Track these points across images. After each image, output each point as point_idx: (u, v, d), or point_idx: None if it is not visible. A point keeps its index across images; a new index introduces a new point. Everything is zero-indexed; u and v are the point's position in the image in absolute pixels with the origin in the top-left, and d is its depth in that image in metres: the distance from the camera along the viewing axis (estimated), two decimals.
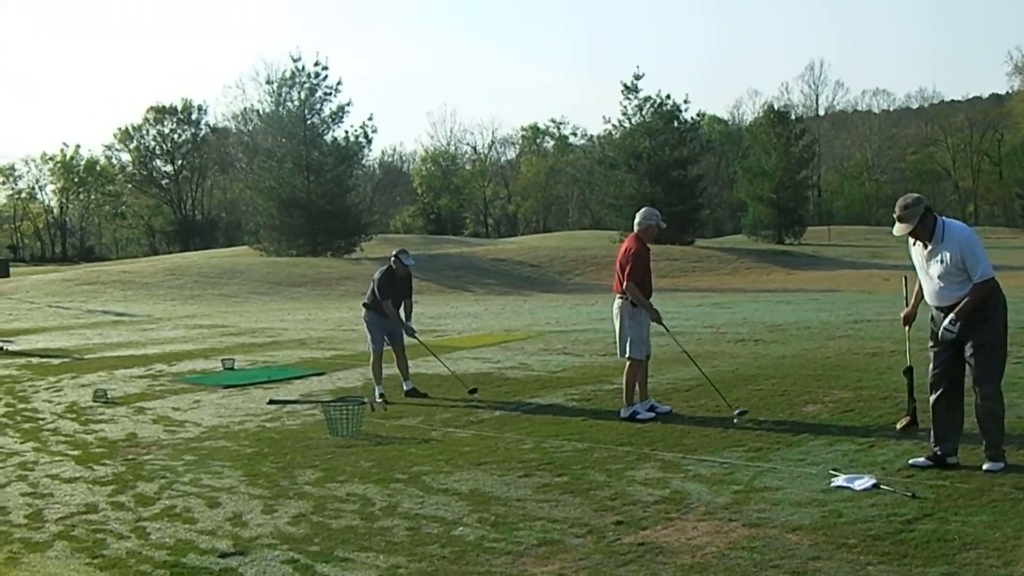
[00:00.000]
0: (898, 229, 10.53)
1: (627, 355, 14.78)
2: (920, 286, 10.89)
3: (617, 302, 14.96)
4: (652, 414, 14.56)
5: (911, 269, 10.85)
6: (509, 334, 29.19)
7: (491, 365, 21.48)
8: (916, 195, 10.53)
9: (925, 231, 10.39)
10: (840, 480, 10.11)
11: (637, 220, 15.08)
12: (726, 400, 15.18)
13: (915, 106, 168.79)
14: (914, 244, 10.67)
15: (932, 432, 10.68)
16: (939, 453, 10.57)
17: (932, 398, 10.69)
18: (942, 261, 10.33)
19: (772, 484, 10.29)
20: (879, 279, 57.61)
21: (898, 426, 11.37)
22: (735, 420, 14.02)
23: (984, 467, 10.30)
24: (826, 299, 42.59)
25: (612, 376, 18.70)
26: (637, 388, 14.91)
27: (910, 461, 10.60)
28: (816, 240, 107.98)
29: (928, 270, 10.55)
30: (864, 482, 9.92)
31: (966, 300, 10.20)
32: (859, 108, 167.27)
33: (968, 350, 10.36)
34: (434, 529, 9.31)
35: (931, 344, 10.73)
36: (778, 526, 8.84)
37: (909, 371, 11.13)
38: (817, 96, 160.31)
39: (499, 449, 12.82)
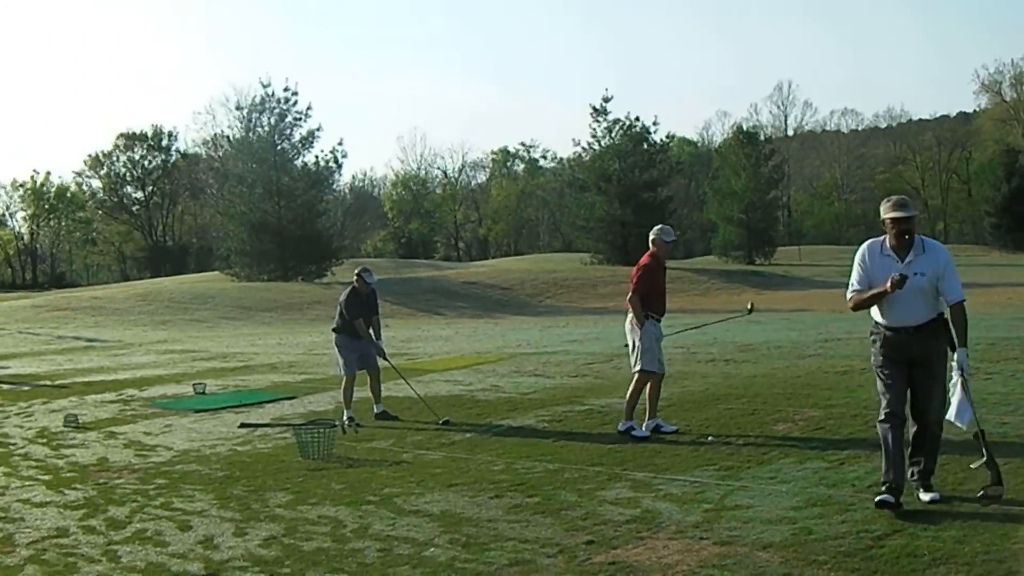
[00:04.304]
0: (900, 212, 9.89)
1: (640, 368, 14.89)
2: (866, 297, 10.10)
3: (629, 316, 15.05)
4: (646, 433, 14.63)
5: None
6: (480, 356, 29.21)
7: (462, 387, 21.49)
8: None
9: (911, 237, 9.97)
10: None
11: (651, 238, 15.31)
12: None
13: (883, 125, 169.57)
14: (882, 254, 10.05)
15: (892, 450, 9.95)
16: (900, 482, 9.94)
17: (890, 427, 9.96)
18: (923, 274, 9.86)
19: (743, 502, 10.32)
20: None
21: (979, 494, 9.73)
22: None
23: (928, 498, 9.97)
24: (796, 318, 42.74)
25: (583, 397, 18.80)
26: (647, 404, 15.11)
27: (877, 499, 9.82)
28: (786, 260, 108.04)
29: (908, 286, 9.81)
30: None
31: (962, 326, 9.81)
32: (828, 128, 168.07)
33: (924, 375, 10.01)
34: (405, 550, 9.31)
35: (884, 367, 10.12)
36: (749, 544, 8.86)
37: (981, 435, 9.80)
38: (786, 116, 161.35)
39: (470, 470, 12.83)
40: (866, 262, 10.10)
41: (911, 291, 9.80)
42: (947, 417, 9.91)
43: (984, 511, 9.35)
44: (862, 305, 10.12)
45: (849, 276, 10.18)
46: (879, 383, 10.18)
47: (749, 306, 17.27)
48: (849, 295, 10.18)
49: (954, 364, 9.80)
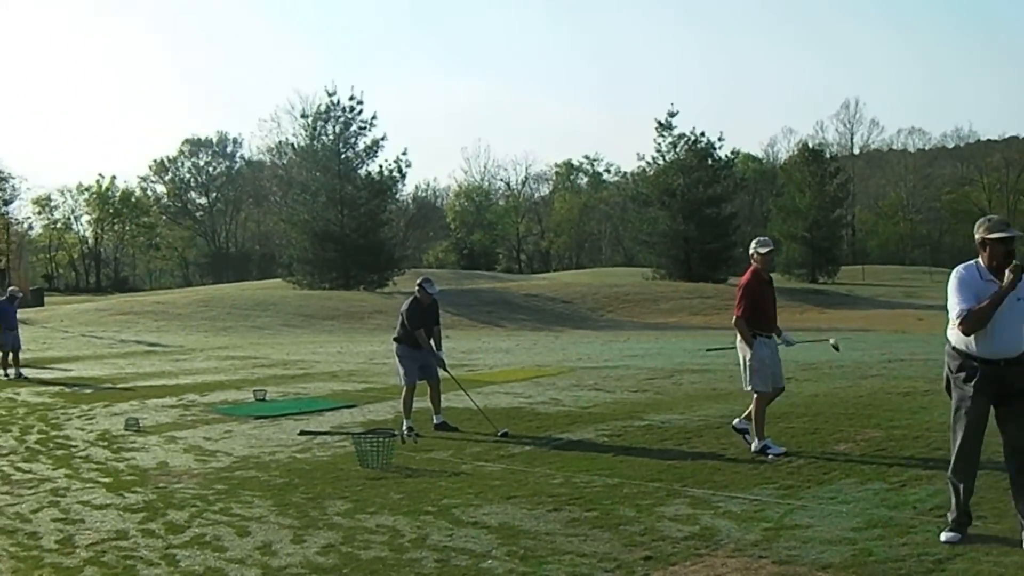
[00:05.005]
0: (1005, 232, 9.24)
1: (750, 387, 14.68)
2: (983, 307, 9.18)
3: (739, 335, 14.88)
4: (782, 449, 14.31)
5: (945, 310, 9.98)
6: (540, 369, 29.16)
7: (522, 400, 21.48)
8: None
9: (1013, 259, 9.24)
10: None
11: (749, 252, 15.07)
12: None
13: (951, 145, 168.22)
14: (983, 280, 9.24)
15: (962, 498, 9.54)
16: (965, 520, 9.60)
17: (963, 477, 9.46)
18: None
19: (802, 522, 10.27)
20: (913, 319, 57.39)
21: None
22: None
23: None
24: (859, 338, 42.41)
25: (643, 412, 18.74)
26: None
27: (944, 537, 9.40)
28: (850, 279, 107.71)
29: (1008, 310, 9.20)
30: None
31: None
32: (894, 147, 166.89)
33: (1020, 405, 9.31)
34: (463, 561, 9.31)
35: (972, 406, 9.32)
36: (808, 564, 8.80)
37: None
38: (852, 135, 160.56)
39: (529, 483, 12.82)
40: (969, 286, 9.26)
41: (1017, 317, 9.24)
42: None
43: None
44: (980, 320, 9.13)
45: (946, 303, 9.41)
46: (958, 424, 9.48)
47: (832, 342, 17.07)
48: (960, 315, 9.23)
49: None
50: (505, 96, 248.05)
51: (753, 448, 14.42)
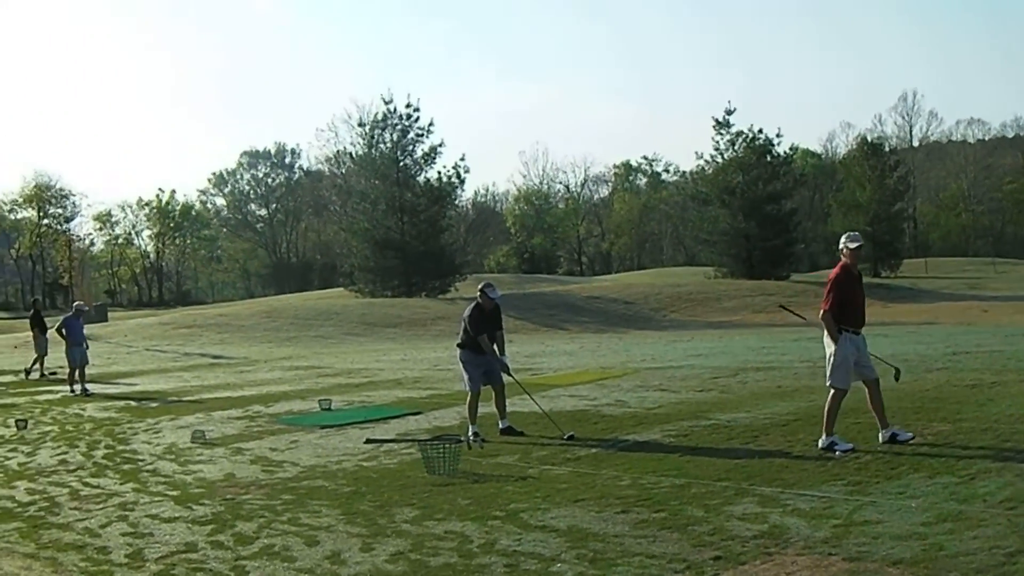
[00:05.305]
0: None
1: (829, 383, 14.65)
2: None
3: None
4: (849, 446, 14.21)
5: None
6: (605, 371, 29.09)
7: (587, 402, 21.44)
8: None
9: None
10: None
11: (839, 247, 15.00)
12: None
13: (1011, 135, 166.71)
14: None
15: None
16: None
17: None
18: None
19: (872, 517, 10.19)
20: (978, 311, 56.82)
21: None
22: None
23: None
24: (924, 331, 42.12)
25: (709, 412, 18.68)
26: (875, 416, 14.82)
27: None
28: (912, 272, 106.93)
29: None
30: None
31: None
32: (954, 138, 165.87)
33: None
34: (532, 566, 9.31)
35: None
36: (878, 560, 8.76)
37: None
38: (911, 127, 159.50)
39: (596, 486, 12.79)
40: None
41: None
42: None
43: None
44: None
45: None
46: None
47: (895, 371, 16.93)
48: None
49: None
50: (562, 99, 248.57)
51: (820, 444, 14.36)
